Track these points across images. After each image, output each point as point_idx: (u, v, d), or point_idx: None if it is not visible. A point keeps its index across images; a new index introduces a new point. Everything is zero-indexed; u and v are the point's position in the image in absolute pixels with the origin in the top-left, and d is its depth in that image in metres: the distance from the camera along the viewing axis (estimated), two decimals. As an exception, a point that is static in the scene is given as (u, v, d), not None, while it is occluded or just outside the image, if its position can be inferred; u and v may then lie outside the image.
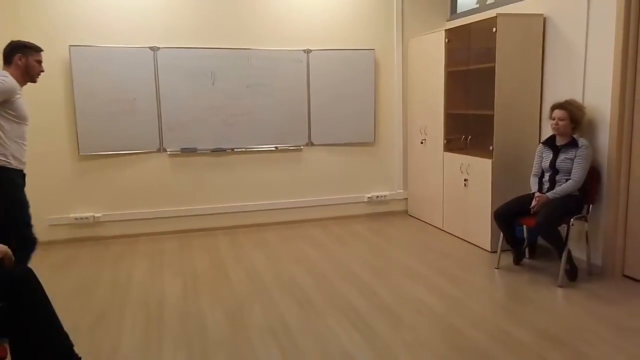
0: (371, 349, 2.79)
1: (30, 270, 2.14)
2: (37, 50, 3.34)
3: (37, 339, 2.05)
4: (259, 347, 2.83)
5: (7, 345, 2.00)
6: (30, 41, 3.34)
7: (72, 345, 2.19)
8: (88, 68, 4.80)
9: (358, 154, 5.78)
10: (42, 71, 3.38)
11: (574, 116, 3.71)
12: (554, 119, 3.77)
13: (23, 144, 3.24)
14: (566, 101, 3.79)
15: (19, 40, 3.31)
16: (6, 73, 3.17)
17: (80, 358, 2.20)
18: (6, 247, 2.12)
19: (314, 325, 3.10)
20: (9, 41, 3.27)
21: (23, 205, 3.24)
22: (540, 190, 3.90)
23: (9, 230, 3.08)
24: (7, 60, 3.25)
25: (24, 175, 3.29)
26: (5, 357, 1.98)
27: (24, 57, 3.24)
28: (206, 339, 2.95)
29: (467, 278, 3.87)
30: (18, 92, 3.16)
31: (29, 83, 3.34)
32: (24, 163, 3.27)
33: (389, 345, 2.83)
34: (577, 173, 3.69)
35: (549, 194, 3.74)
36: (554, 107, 3.81)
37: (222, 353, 2.78)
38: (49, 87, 4.76)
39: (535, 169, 4.01)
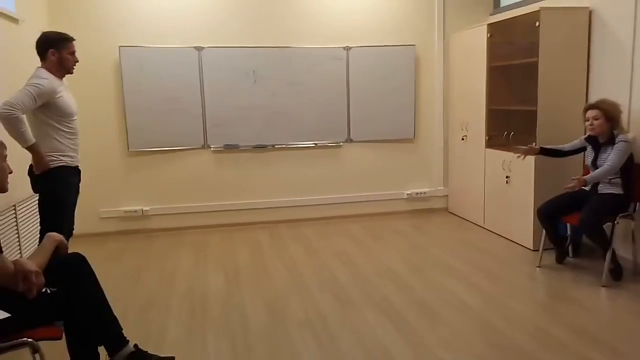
0: (407, 344, 2.82)
1: (84, 257, 2.29)
2: (69, 40, 3.26)
3: (89, 322, 2.19)
4: (297, 339, 2.92)
5: (62, 328, 2.14)
6: (63, 32, 3.30)
7: (121, 329, 2.33)
8: (137, 67, 5.00)
9: (398, 150, 5.78)
10: (77, 61, 3.32)
11: (608, 114, 3.61)
12: (588, 120, 3.69)
13: (74, 139, 3.31)
14: (599, 100, 3.71)
15: (49, 33, 3.28)
16: (43, 72, 3.14)
17: (128, 341, 2.33)
18: (61, 235, 2.27)
19: (350, 319, 3.16)
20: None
21: (65, 206, 3.27)
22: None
23: (47, 221, 3.20)
24: (41, 56, 3.22)
25: (79, 172, 3.42)
26: (60, 338, 2.12)
27: (56, 52, 3.19)
28: (247, 329, 3.05)
29: (507, 276, 3.84)
30: (58, 90, 3.15)
31: (72, 75, 3.35)
32: (77, 159, 3.36)
33: (425, 341, 2.85)
34: (612, 160, 3.57)
35: (587, 177, 3.64)
36: (586, 109, 3.74)
37: (262, 344, 2.87)
38: (100, 86, 5.00)
39: (568, 145, 3.95)
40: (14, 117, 2.90)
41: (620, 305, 3.27)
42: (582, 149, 3.92)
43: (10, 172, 2.19)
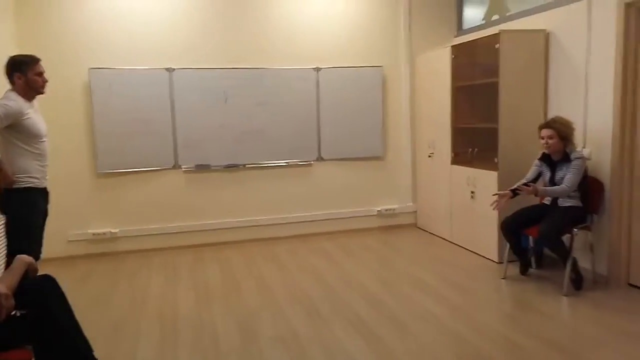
0: (377, 357, 2.88)
1: (54, 279, 2.29)
2: (34, 62, 3.26)
3: (60, 344, 2.18)
4: (269, 356, 2.94)
5: (31, 351, 2.13)
6: (29, 54, 3.30)
7: (92, 351, 2.32)
8: (107, 89, 5.01)
9: (367, 168, 5.90)
10: (46, 81, 3.32)
11: (561, 133, 3.78)
12: (543, 138, 3.85)
13: (43, 161, 3.31)
14: (552, 119, 3.86)
15: (15, 56, 3.28)
16: (11, 95, 3.16)
17: (99, 363, 2.33)
18: (31, 257, 2.27)
19: (322, 334, 3.20)
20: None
21: (35, 229, 3.26)
22: (542, 204, 3.99)
23: (15, 243, 3.17)
24: (9, 80, 3.23)
25: (47, 193, 3.40)
26: (30, 360, 2.11)
27: (22, 75, 3.20)
28: (219, 348, 3.06)
29: (473, 288, 3.95)
30: (26, 112, 3.15)
31: (41, 96, 3.35)
32: (45, 181, 3.35)
33: (395, 354, 2.91)
34: (569, 180, 3.74)
35: (539, 187, 3.79)
36: (541, 127, 3.89)
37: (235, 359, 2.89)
38: (69, 108, 4.98)
39: (527, 177, 4.05)
40: None
41: (582, 313, 3.40)
42: (541, 172, 4.07)
43: None
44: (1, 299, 1.91)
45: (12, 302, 1.98)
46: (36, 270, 2.30)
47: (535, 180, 4.03)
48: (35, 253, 3.27)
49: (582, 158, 3.77)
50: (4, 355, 2.03)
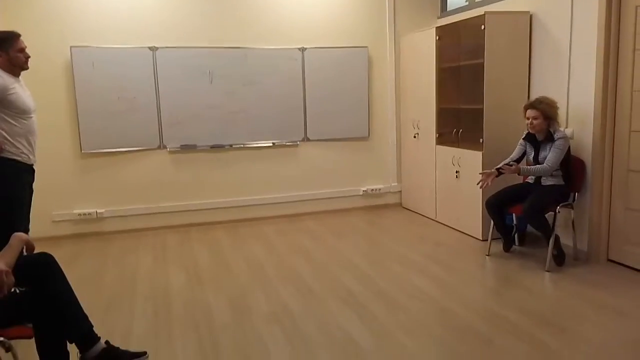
0: (370, 331, 2.96)
1: (51, 256, 2.29)
2: (14, 37, 3.21)
3: (60, 320, 2.19)
4: (263, 331, 2.99)
5: (31, 327, 2.13)
6: (8, 30, 3.24)
7: (92, 326, 2.33)
8: (89, 68, 4.92)
9: (353, 148, 5.95)
10: (28, 57, 3.28)
11: (546, 113, 3.87)
12: (528, 119, 3.94)
13: (31, 137, 3.27)
14: (537, 99, 3.93)
15: None
16: None
17: (99, 338, 2.34)
18: (27, 235, 2.25)
19: (314, 310, 3.27)
20: None
21: (20, 204, 3.25)
22: (525, 182, 4.10)
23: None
24: None
25: (33, 171, 3.37)
26: (32, 337, 2.11)
27: (2, 53, 3.16)
28: (212, 323, 3.10)
29: (459, 265, 4.05)
30: (11, 87, 3.12)
31: (23, 74, 3.30)
32: (34, 158, 3.33)
33: (386, 327, 2.99)
34: (551, 160, 3.84)
35: (521, 166, 3.90)
36: (526, 107, 3.96)
37: (229, 336, 2.94)
38: (51, 87, 4.89)
39: (512, 156, 4.14)
40: None
41: (563, 288, 3.53)
42: (525, 151, 4.16)
43: None
44: (2, 276, 1.91)
45: (12, 278, 1.98)
46: (33, 247, 2.29)
47: (519, 159, 4.13)
48: (24, 229, 3.25)
49: (564, 138, 3.86)
50: (5, 331, 2.03)
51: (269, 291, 3.61)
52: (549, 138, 3.91)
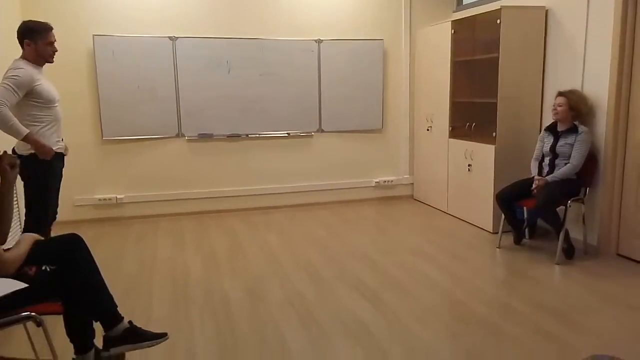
0: (382, 318, 3.05)
1: (80, 237, 2.40)
2: (46, 30, 3.24)
3: (87, 299, 2.30)
4: (277, 315, 3.10)
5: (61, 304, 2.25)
6: (42, 21, 3.28)
7: (116, 306, 2.44)
8: (110, 57, 5.03)
9: (366, 140, 6.01)
10: (55, 51, 3.32)
11: (573, 104, 3.93)
12: (554, 105, 4.00)
13: (58, 126, 3.38)
14: (569, 90, 4.02)
15: (28, 22, 3.25)
16: (19, 63, 3.17)
17: (123, 318, 2.44)
18: (37, 235, 2.35)
19: (327, 297, 3.36)
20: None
21: (49, 191, 3.36)
22: (540, 173, 4.14)
23: (31, 206, 3.29)
24: (21, 45, 3.24)
25: (62, 156, 3.48)
26: (61, 313, 2.22)
27: (32, 43, 3.20)
28: (229, 307, 3.21)
29: (469, 256, 4.12)
30: (36, 78, 3.17)
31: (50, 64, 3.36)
32: (61, 144, 3.43)
33: (398, 315, 3.08)
34: (576, 157, 3.91)
35: (548, 177, 3.97)
36: (557, 94, 4.04)
37: (245, 318, 3.04)
38: (74, 75, 5.02)
39: (536, 153, 4.24)
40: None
41: (573, 281, 3.59)
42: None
43: None
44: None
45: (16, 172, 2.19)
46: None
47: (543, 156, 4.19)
48: (52, 214, 3.39)
49: (588, 132, 3.91)
50: (36, 307, 2.14)
51: (283, 278, 3.71)
52: (572, 130, 3.95)
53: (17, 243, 2.29)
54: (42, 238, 2.39)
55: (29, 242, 2.29)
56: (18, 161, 2.23)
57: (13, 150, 3.25)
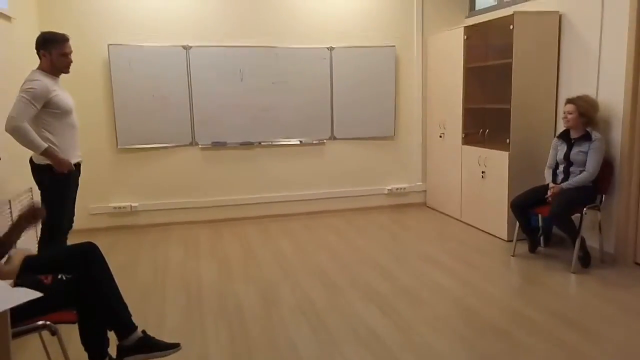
0: (393, 325, 3.03)
1: (96, 246, 2.43)
2: (61, 41, 3.26)
3: (102, 307, 2.33)
4: (290, 322, 3.10)
5: (76, 313, 2.27)
6: (59, 32, 3.30)
7: (130, 315, 2.46)
8: (125, 66, 5.10)
9: (379, 147, 6.01)
10: (71, 62, 3.34)
11: (583, 110, 3.88)
12: (564, 112, 3.97)
13: (74, 136, 3.41)
14: (578, 96, 3.97)
15: (45, 33, 3.28)
16: (35, 74, 3.19)
17: (137, 327, 2.47)
18: (29, 250, 2.40)
19: (339, 305, 3.36)
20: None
21: (66, 201, 3.39)
22: (554, 181, 4.09)
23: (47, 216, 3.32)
24: (38, 56, 3.27)
25: (78, 166, 3.52)
26: (75, 322, 2.25)
27: (47, 53, 3.23)
28: (242, 314, 3.22)
29: (483, 264, 4.09)
30: (52, 89, 3.18)
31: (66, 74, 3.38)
32: (78, 155, 3.47)
33: (410, 323, 3.06)
34: (591, 165, 3.87)
35: (563, 185, 3.93)
36: (566, 101, 4.00)
37: (258, 325, 3.05)
38: (90, 83, 5.09)
39: (550, 161, 4.20)
40: (18, 127, 3.04)
41: (589, 290, 3.54)
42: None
43: None
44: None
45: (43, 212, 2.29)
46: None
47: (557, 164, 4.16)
48: (68, 223, 3.43)
49: (601, 139, 3.87)
50: (50, 316, 2.17)
51: (296, 285, 3.71)
52: (586, 137, 3.91)
53: (9, 258, 2.32)
54: (34, 253, 2.43)
55: (20, 257, 2.33)
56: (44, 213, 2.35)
57: (31, 159, 3.30)
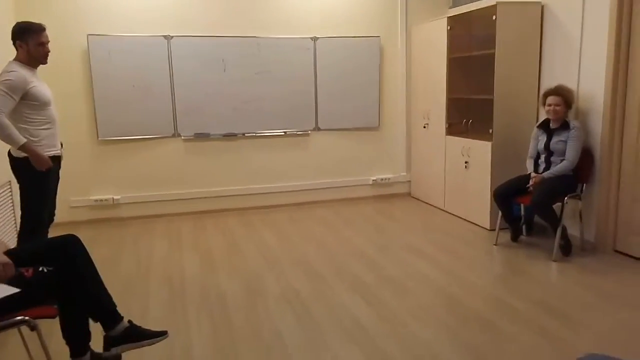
0: (379, 315, 3.04)
1: (78, 238, 2.39)
2: (37, 31, 3.18)
3: (86, 299, 2.30)
4: (274, 312, 3.09)
5: (56, 307, 2.24)
6: (35, 22, 3.21)
7: (115, 306, 2.43)
8: (105, 56, 5.01)
9: (363, 138, 6.01)
10: (48, 52, 3.26)
11: (568, 100, 3.93)
12: (550, 105, 3.98)
13: (53, 128, 3.34)
14: (558, 86, 3.99)
15: (20, 23, 3.20)
16: (11, 66, 3.12)
17: (123, 317, 2.44)
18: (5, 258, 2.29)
19: (324, 294, 3.36)
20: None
21: (45, 194, 3.33)
22: (536, 171, 4.13)
23: (26, 209, 3.26)
24: (15, 47, 3.19)
25: (58, 159, 3.45)
26: (55, 317, 2.21)
27: (23, 44, 3.16)
28: (226, 305, 3.21)
29: (467, 253, 4.12)
30: (30, 81, 3.12)
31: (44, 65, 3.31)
32: (56, 146, 3.40)
33: (394, 312, 3.08)
34: (571, 154, 3.91)
35: (545, 174, 3.97)
36: (548, 94, 4.01)
37: (242, 316, 3.04)
38: (69, 75, 5.00)
39: (531, 151, 4.24)
40: None
41: (569, 277, 3.59)
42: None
43: None
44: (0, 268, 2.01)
45: (12, 271, 2.06)
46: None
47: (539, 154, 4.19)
48: (49, 216, 3.38)
49: (580, 128, 3.91)
50: (29, 311, 2.13)
51: (280, 276, 3.71)
52: (564, 126, 3.95)
53: None
54: (10, 247, 2.37)
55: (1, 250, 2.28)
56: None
57: (9, 152, 3.23)
